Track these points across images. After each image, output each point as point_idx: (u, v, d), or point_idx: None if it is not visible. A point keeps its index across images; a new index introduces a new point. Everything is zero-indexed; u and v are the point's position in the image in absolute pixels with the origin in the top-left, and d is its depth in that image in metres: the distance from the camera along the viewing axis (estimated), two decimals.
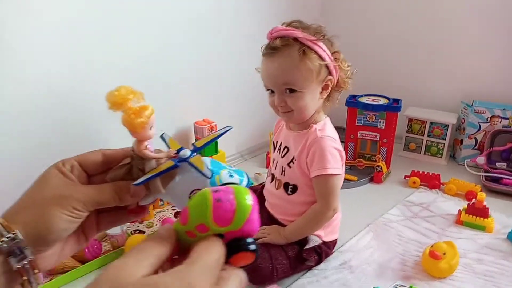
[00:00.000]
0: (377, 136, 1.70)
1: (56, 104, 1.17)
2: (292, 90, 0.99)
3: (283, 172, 1.12)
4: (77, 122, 1.24)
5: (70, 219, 0.37)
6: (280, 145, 1.15)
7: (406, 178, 1.65)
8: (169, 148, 0.44)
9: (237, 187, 0.34)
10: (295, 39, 0.96)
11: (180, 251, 0.33)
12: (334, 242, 1.20)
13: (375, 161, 1.69)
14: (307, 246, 1.10)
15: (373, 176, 1.66)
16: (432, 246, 1.13)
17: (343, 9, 2.04)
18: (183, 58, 1.49)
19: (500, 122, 1.68)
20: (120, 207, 0.42)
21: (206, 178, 0.41)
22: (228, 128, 0.47)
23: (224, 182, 0.45)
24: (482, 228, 1.32)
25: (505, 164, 1.65)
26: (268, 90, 1.04)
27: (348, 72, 1.06)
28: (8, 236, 0.34)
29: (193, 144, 0.44)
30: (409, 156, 1.89)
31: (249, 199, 0.33)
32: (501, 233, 1.31)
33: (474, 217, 1.33)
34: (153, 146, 0.43)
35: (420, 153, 1.87)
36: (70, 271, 1.10)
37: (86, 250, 1.15)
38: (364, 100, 1.69)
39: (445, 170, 1.72)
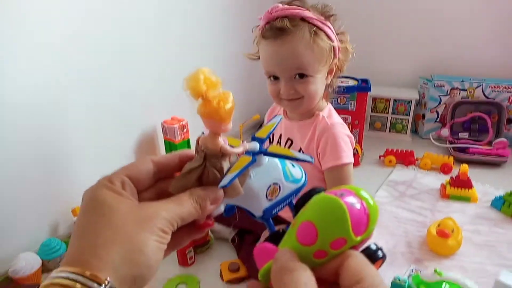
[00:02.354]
0: (349, 118, 1.66)
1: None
2: (302, 75, 0.89)
3: None
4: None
5: (160, 246, 0.29)
6: (280, 137, 1.05)
7: (382, 158, 1.65)
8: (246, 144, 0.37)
9: (351, 186, 0.31)
10: (303, 19, 0.85)
11: None
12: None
13: None
14: None
15: None
16: (439, 225, 1.12)
17: None
18: (142, 56, 1.32)
19: (459, 94, 1.74)
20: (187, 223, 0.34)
21: (310, 162, 0.37)
22: (280, 117, 0.42)
23: (294, 174, 0.39)
24: (467, 199, 1.35)
25: (467, 134, 1.72)
26: (270, 77, 0.93)
27: (350, 55, 0.98)
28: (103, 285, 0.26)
29: (252, 136, 0.38)
30: (375, 135, 1.90)
31: (370, 197, 0.30)
32: (484, 201, 1.36)
33: (459, 189, 1.36)
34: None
35: (385, 131, 1.89)
36: None
37: None
38: None
39: (412, 146, 1.76)
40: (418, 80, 1.86)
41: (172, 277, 1.07)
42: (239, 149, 0.36)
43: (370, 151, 1.72)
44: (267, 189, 0.37)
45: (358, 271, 0.27)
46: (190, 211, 0.32)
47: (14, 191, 1.05)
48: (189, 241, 0.37)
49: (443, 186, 1.40)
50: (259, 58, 0.94)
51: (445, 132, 1.72)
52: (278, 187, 0.38)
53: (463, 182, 1.36)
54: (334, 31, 0.90)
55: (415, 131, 1.93)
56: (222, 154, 0.35)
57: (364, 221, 0.29)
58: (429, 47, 1.84)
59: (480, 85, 1.70)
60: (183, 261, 1.11)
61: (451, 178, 1.40)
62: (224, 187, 0.33)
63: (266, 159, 0.37)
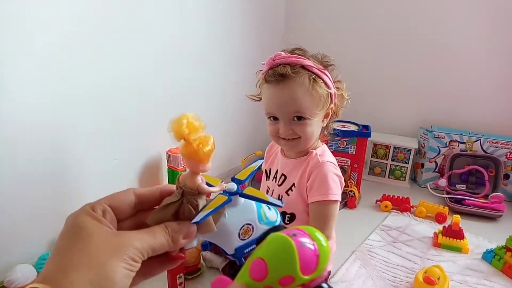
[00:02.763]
0: (348, 162, 1.72)
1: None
2: (299, 118, 0.95)
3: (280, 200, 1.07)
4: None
5: (129, 273, 0.31)
6: (276, 173, 1.10)
7: (378, 202, 1.68)
8: (207, 184, 0.39)
9: (308, 227, 0.32)
10: (303, 67, 0.93)
11: None
12: (328, 273, 1.16)
13: (347, 186, 1.70)
14: None
15: (347, 201, 1.67)
16: (426, 272, 1.14)
17: (308, 41, 2.08)
18: (153, 85, 1.41)
19: (458, 146, 1.79)
20: (160, 254, 0.36)
21: (280, 206, 0.40)
22: (261, 162, 0.45)
23: (268, 216, 0.41)
24: (459, 250, 1.37)
25: (464, 186, 1.75)
26: (270, 117, 0.99)
27: (345, 102, 1.05)
28: None
29: (232, 177, 0.41)
30: (375, 180, 1.94)
31: (324, 240, 0.31)
32: (475, 253, 1.37)
33: (451, 239, 1.38)
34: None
35: (385, 176, 1.92)
36: None
37: None
38: (334, 126, 1.71)
39: (409, 193, 1.79)
40: (417, 130, 1.91)
41: None
42: (216, 189, 0.39)
43: (368, 194, 1.76)
44: (240, 229, 0.40)
45: None
46: (162, 243, 0.34)
47: (16, 206, 1.11)
48: (161, 271, 0.39)
49: (436, 235, 1.42)
50: (260, 99, 1.02)
51: (443, 182, 1.75)
52: (252, 228, 0.40)
53: (455, 233, 1.38)
54: (331, 79, 0.97)
55: (414, 179, 1.96)
56: (199, 192, 0.37)
57: (314, 261, 0.30)
58: (431, 99, 1.91)
59: (478, 139, 1.75)
60: (173, 287, 1.13)
61: (444, 227, 1.42)
62: (196, 223, 0.36)
63: (242, 200, 0.39)
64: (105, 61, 1.24)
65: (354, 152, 1.70)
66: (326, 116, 1.01)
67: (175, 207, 0.37)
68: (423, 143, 1.88)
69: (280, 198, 1.07)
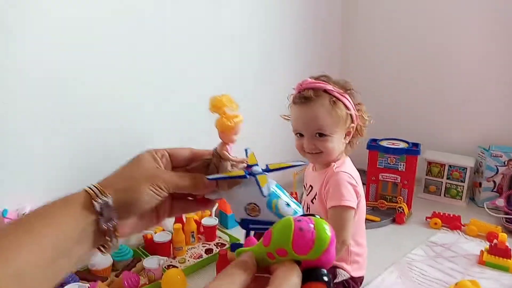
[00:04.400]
0: (398, 178, 1.76)
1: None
2: (321, 135, 1.09)
3: (308, 209, 1.20)
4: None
5: (154, 195, 0.43)
6: (306, 185, 1.24)
7: (428, 219, 1.70)
8: (247, 161, 0.50)
9: (318, 218, 0.36)
10: (325, 91, 1.08)
11: (258, 270, 0.36)
12: (361, 279, 1.24)
13: (397, 202, 1.75)
14: (336, 280, 1.15)
15: (395, 217, 1.72)
16: (456, 284, 1.17)
17: (363, 58, 2.18)
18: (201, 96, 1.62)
19: None
20: (190, 198, 0.50)
21: (262, 196, 0.46)
22: (302, 163, 0.52)
23: (280, 209, 0.47)
24: (505, 269, 1.35)
25: None
26: (297, 134, 1.14)
27: (367, 122, 1.17)
28: (102, 199, 0.40)
29: (267, 164, 0.49)
30: (429, 198, 1.94)
31: (329, 231, 0.34)
32: None
33: (497, 257, 1.37)
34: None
35: (440, 195, 1.92)
36: None
37: (125, 283, 1.22)
38: (384, 143, 1.78)
39: (465, 212, 1.77)
40: (475, 148, 1.89)
41: None
42: (237, 160, 0.49)
43: (420, 211, 1.78)
44: (247, 204, 0.47)
45: (275, 276, 0.33)
46: (186, 185, 0.45)
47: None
48: (195, 210, 0.52)
49: (482, 253, 1.42)
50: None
51: (500, 202, 1.71)
52: (258, 209, 0.47)
53: (500, 251, 1.37)
54: (351, 102, 1.11)
55: (472, 198, 1.92)
56: (221, 157, 0.49)
57: (309, 244, 0.33)
58: (488, 116, 1.88)
59: None
60: None
61: (490, 245, 1.41)
62: (209, 179, 0.46)
63: (266, 186, 0.46)
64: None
65: (403, 169, 1.74)
66: (348, 134, 1.14)
67: (205, 164, 0.50)
68: (481, 162, 1.85)
69: (308, 207, 1.20)
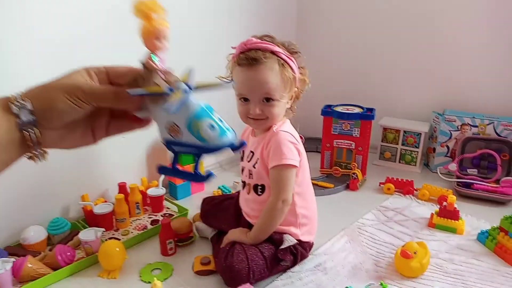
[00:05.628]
0: (352, 144, 1.74)
1: None
2: (268, 99, 1.04)
3: (250, 175, 1.15)
4: None
5: (71, 104, 0.42)
6: (246, 151, 1.19)
7: (381, 185, 1.69)
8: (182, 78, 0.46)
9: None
10: (272, 52, 1.01)
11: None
12: (310, 244, 1.21)
13: (351, 169, 1.72)
14: (282, 246, 1.11)
15: (349, 183, 1.69)
16: (403, 246, 1.15)
17: (318, 25, 2.11)
18: None
19: (470, 130, 1.74)
20: (127, 117, 0.49)
21: (170, 112, 0.43)
22: (229, 80, 0.49)
23: (202, 131, 0.44)
24: (453, 230, 1.35)
25: (476, 170, 1.70)
26: (241, 99, 1.07)
27: (307, 86, 1.13)
28: (20, 102, 0.41)
29: (197, 83, 0.45)
30: (385, 164, 1.93)
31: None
32: (472, 235, 1.35)
33: (446, 219, 1.36)
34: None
35: (395, 161, 1.91)
36: (41, 277, 1.08)
37: (59, 257, 1.14)
38: (339, 109, 1.74)
39: (419, 177, 1.77)
40: (430, 114, 1.88)
41: (151, 263, 1.21)
42: (163, 69, 0.46)
43: (374, 178, 1.76)
44: (167, 123, 0.45)
45: None
46: (107, 97, 0.44)
47: (37, 175, 1.27)
48: (131, 129, 0.50)
49: (432, 215, 1.41)
50: (231, 81, 1.10)
51: (453, 166, 1.71)
52: (178, 129, 0.44)
53: (449, 213, 1.37)
54: (296, 65, 1.06)
55: (426, 164, 1.93)
56: (146, 67, 0.46)
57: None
58: (443, 82, 1.87)
59: (492, 123, 1.69)
60: (164, 251, 1.24)
61: (440, 208, 1.40)
62: (129, 93, 0.44)
63: (184, 105, 0.43)
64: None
65: (358, 135, 1.71)
66: (290, 99, 1.10)
67: (133, 77, 0.47)
68: (435, 127, 1.84)
69: (250, 173, 1.15)
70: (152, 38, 0.45)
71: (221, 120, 0.45)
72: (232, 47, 1.08)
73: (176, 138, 0.45)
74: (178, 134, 0.44)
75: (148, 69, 0.45)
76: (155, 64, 0.46)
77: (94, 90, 0.44)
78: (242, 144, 0.47)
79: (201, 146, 0.44)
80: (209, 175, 0.48)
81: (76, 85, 0.43)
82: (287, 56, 1.05)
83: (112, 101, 0.45)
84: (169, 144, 0.46)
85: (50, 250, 1.21)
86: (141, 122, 0.49)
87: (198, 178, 0.49)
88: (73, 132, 0.46)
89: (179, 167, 0.45)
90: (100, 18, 1.31)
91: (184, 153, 0.46)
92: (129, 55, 1.44)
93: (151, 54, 0.46)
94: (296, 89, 1.09)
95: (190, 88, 0.44)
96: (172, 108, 0.42)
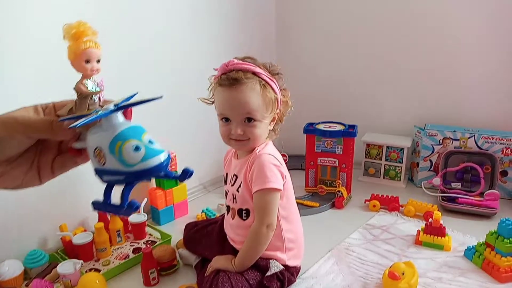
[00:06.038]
0: (336, 162, 1.73)
1: None
2: (250, 120, 1.02)
3: (234, 200, 1.13)
4: None
5: (5, 135, 0.42)
6: (229, 175, 1.17)
7: (367, 202, 1.67)
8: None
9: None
10: (254, 73, 1.00)
11: None
12: (297, 269, 1.19)
13: (336, 186, 1.71)
14: (269, 273, 1.08)
15: (334, 201, 1.68)
16: (390, 267, 1.14)
17: (298, 42, 2.12)
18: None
19: (452, 143, 1.75)
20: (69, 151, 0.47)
21: (155, 99, 0.42)
22: (160, 96, 0.43)
23: (124, 154, 0.39)
24: (440, 247, 1.35)
25: (460, 184, 1.71)
26: (222, 119, 1.06)
27: (289, 109, 1.13)
28: None
29: (119, 104, 0.42)
30: (369, 180, 1.93)
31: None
32: (458, 251, 1.34)
33: (432, 236, 1.36)
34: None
35: (380, 177, 1.91)
36: None
37: None
38: (321, 127, 1.73)
39: (405, 192, 1.77)
40: (412, 128, 1.89)
41: None
42: (94, 92, 0.45)
43: (360, 194, 1.75)
44: (94, 149, 0.40)
45: None
46: (43, 127, 0.42)
47: (11, 207, 1.22)
48: (73, 165, 0.48)
49: (418, 232, 1.40)
50: (213, 102, 1.09)
51: (437, 181, 1.71)
52: (103, 154, 0.39)
53: (435, 230, 1.36)
54: (278, 87, 1.05)
55: (411, 179, 1.93)
56: (78, 92, 0.44)
57: None
58: (424, 96, 1.89)
59: (472, 136, 1.71)
60: (147, 282, 1.20)
61: (426, 224, 1.40)
62: (61, 121, 0.41)
63: (109, 126, 0.40)
64: None
65: (341, 152, 1.70)
66: (273, 120, 1.10)
67: (71, 106, 0.45)
68: (417, 141, 1.85)
69: (234, 197, 1.13)
70: (80, 61, 0.44)
71: (151, 142, 0.40)
72: (214, 69, 1.06)
73: (103, 166, 0.40)
74: (103, 159, 0.39)
75: (80, 94, 0.44)
76: (86, 88, 0.44)
77: (28, 121, 0.43)
78: (187, 172, 0.44)
79: (125, 172, 0.39)
80: (136, 207, 0.40)
81: (11, 117, 0.42)
82: (269, 78, 1.04)
83: (46, 131, 0.43)
84: (97, 173, 0.41)
85: (27, 285, 1.16)
86: (80, 155, 0.46)
87: (125, 210, 0.40)
88: (16, 168, 0.45)
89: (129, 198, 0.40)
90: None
91: (114, 183, 0.41)
92: (129, 55, 1.42)
93: (86, 79, 0.45)
94: (278, 111, 1.08)
95: (118, 108, 0.41)
96: (95, 130, 0.41)
